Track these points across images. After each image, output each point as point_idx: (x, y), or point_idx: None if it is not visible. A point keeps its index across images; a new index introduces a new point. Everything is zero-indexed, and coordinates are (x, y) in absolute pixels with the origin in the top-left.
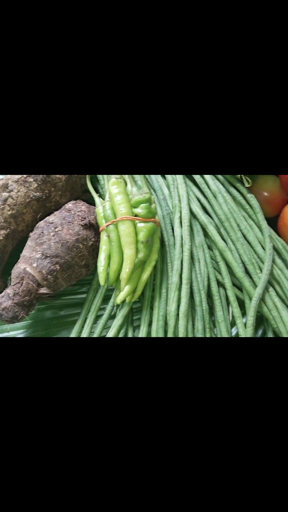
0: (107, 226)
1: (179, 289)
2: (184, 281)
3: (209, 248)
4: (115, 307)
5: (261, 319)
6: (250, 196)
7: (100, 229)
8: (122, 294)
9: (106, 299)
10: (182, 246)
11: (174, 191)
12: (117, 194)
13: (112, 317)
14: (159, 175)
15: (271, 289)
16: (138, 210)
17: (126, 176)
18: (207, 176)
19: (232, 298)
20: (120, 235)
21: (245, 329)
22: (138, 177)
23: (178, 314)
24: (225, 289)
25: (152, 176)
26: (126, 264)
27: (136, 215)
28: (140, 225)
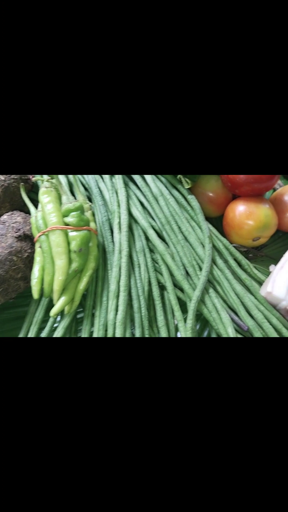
0: (39, 236)
1: (117, 296)
2: (122, 288)
3: (153, 252)
4: (58, 319)
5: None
6: (190, 198)
7: (34, 240)
8: (57, 306)
9: (48, 310)
10: (120, 252)
11: (113, 196)
12: (47, 203)
13: (55, 329)
14: (101, 181)
15: (211, 290)
16: (69, 219)
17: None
18: (148, 179)
19: (173, 302)
20: (51, 245)
21: (185, 332)
22: (75, 184)
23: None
24: (168, 292)
25: (91, 181)
26: (58, 275)
27: (67, 224)
28: (72, 234)
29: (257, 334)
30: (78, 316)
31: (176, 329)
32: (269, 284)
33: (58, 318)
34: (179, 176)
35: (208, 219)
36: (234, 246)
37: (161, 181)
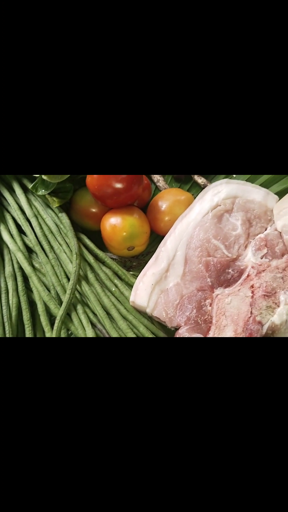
0: None
1: None
2: None
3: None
4: None
5: None
6: (61, 215)
7: None
8: None
9: None
10: None
11: None
12: None
13: None
14: None
15: (79, 306)
16: None
17: None
18: (22, 201)
19: (44, 323)
20: None
21: None
22: None
23: None
24: (39, 314)
25: None
26: None
27: None
28: None
29: None
30: None
31: None
32: (131, 293)
33: None
34: (46, 195)
35: (91, 232)
36: (113, 258)
37: (37, 200)
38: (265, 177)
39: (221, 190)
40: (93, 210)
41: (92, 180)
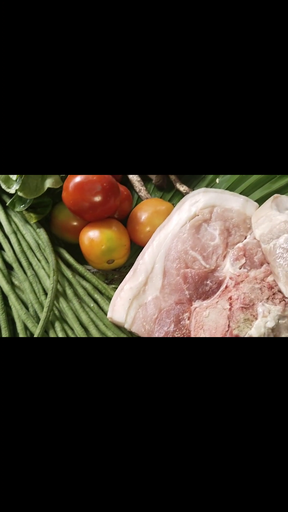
0: None
1: None
2: None
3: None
4: None
5: None
6: (39, 231)
7: None
8: None
9: None
10: None
11: None
12: None
13: None
14: None
15: (57, 324)
16: None
17: None
18: (1, 217)
19: None
20: None
21: None
22: None
23: None
24: (18, 333)
25: None
26: None
27: None
28: None
29: None
30: None
31: None
32: (109, 308)
33: None
34: (24, 212)
35: (72, 246)
36: (93, 272)
37: (17, 216)
38: (248, 182)
39: (198, 200)
40: (73, 223)
41: (67, 195)
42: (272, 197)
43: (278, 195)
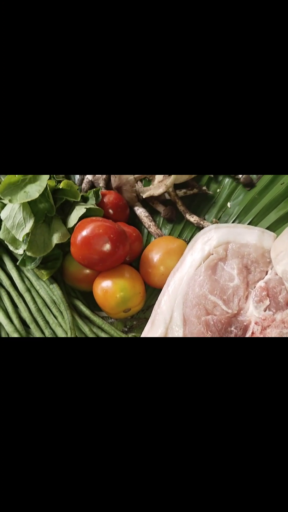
0: None
1: None
2: None
3: None
4: None
5: None
6: (52, 287)
7: None
8: None
9: None
10: None
11: None
12: None
13: None
14: None
15: None
16: None
17: None
18: (14, 275)
19: None
20: None
21: None
22: None
23: None
24: None
25: None
26: None
27: None
28: None
29: None
30: None
31: None
32: None
33: None
34: (35, 270)
35: (87, 293)
36: (110, 322)
37: (31, 271)
38: (261, 204)
39: (211, 237)
40: (85, 272)
41: (75, 250)
42: None
43: None
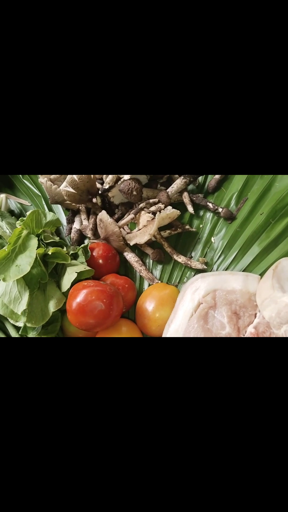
0: None
1: None
2: None
3: None
4: None
5: None
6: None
7: None
8: None
9: None
10: None
11: None
12: None
13: None
14: None
15: None
16: None
17: None
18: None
19: None
20: None
21: None
22: None
23: None
24: None
25: None
26: None
27: None
28: None
29: None
30: None
31: None
32: None
33: None
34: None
35: None
36: None
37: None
38: (244, 236)
39: (198, 287)
40: (84, 332)
41: (71, 316)
42: (271, 269)
43: (278, 263)
